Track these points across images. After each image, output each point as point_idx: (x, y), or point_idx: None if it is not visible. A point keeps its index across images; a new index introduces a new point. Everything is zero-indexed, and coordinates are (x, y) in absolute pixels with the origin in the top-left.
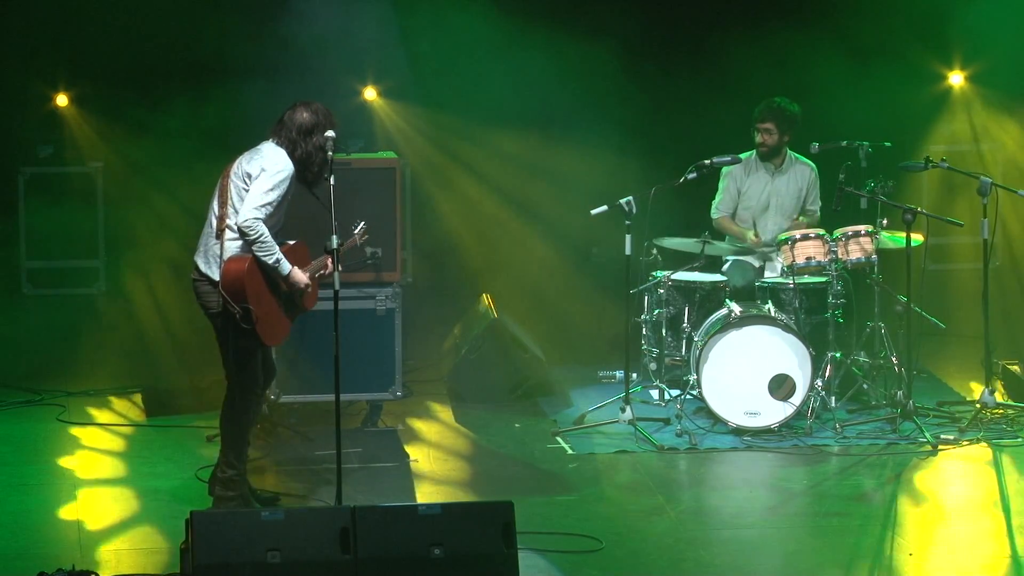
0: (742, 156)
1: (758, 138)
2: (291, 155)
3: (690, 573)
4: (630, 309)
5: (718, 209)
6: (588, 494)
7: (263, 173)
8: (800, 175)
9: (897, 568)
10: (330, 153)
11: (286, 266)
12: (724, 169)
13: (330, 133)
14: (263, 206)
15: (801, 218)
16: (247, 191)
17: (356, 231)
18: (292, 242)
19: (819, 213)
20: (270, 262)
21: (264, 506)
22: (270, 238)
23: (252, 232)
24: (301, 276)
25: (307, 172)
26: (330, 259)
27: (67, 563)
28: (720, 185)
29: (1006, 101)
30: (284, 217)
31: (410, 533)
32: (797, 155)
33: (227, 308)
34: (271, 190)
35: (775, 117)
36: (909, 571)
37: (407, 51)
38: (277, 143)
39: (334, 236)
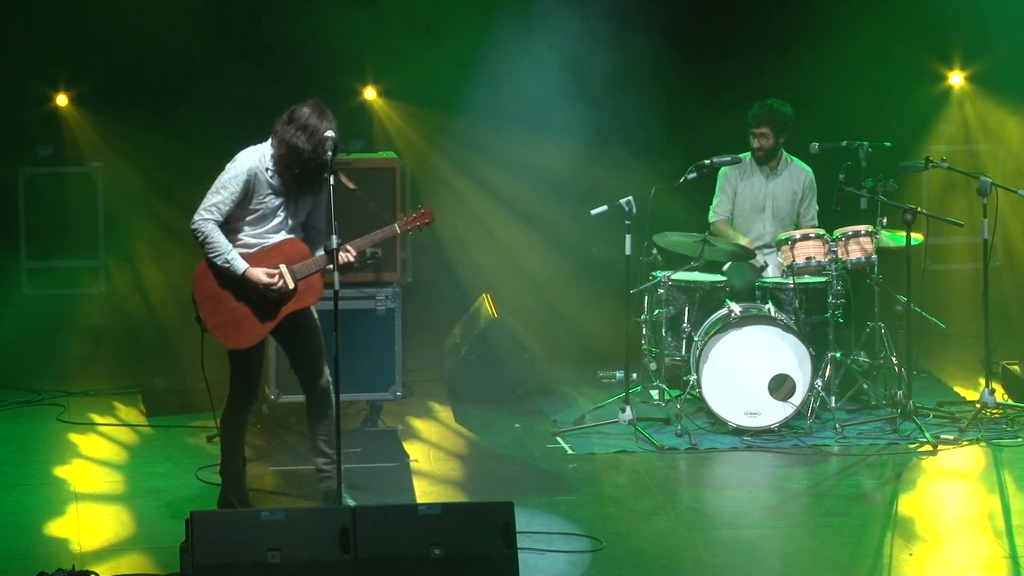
0: (742, 157)
1: (754, 143)
2: (271, 142)
3: (690, 573)
4: (630, 309)
5: (716, 212)
6: (588, 494)
7: (223, 172)
8: (796, 178)
9: (897, 568)
10: (330, 153)
11: (239, 265)
12: (720, 172)
13: (330, 133)
14: (211, 206)
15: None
16: None
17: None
18: (278, 239)
19: (816, 220)
20: (219, 263)
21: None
22: (216, 239)
23: (198, 234)
24: (258, 275)
25: (276, 161)
26: (347, 255)
27: (67, 563)
28: (716, 188)
29: (1006, 101)
30: (290, 216)
31: (410, 533)
32: (794, 158)
33: None
34: (219, 189)
35: (770, 121)
36: (909, 571)
37: (407, 51)
38: (271, 137)
39: (334, 236)
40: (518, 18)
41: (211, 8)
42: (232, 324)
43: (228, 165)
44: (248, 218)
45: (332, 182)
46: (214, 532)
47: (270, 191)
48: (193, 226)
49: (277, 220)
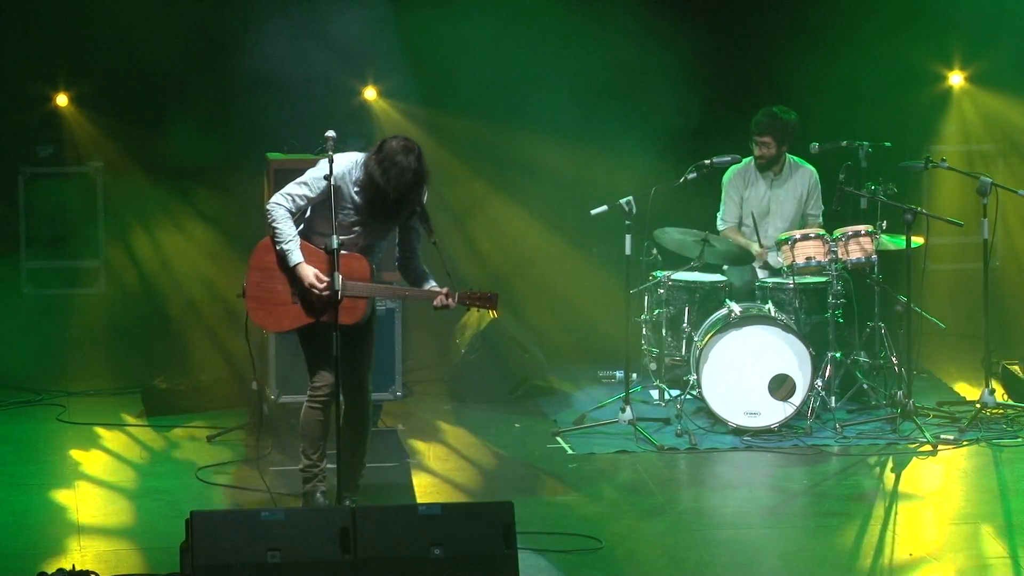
0: (741, 157)
1: (756, 151)
2: (365, 164)
3: (690, 573)
4: (630, 309)
5: (723, 220)
6: (588, 494)
7: (313, 167)
8: (800, 180)
9: (897, 568)
10: (330, 153)
11: (294, 257)
12: (724, 179)
13: (330, 133)
14: (288, 195)
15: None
16: None
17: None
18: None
19: (821, 218)
20: (278, 248)
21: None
22: (282, 226)
23: (268, 216)
24: (307, 273)
25: (365, 186)
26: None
27: (67, 563)
28: (722, 196)
29: (1006, 101)
30: (366, 235)
31: (410, 533)
32: (796, 159)
33: None
34: (301, 183)
35: (773, 130)
36: (909, 571)
37: (407, 51)
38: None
39: (334, 236)
40: (518, 18)
41: (212, 8)
42: (268, 303)
43: (321, 161)
44: (326, 222)
45: (333, 183)
46: (214, 532)
47: (350, 206)
48: (267, 207)
49: (352, 235)
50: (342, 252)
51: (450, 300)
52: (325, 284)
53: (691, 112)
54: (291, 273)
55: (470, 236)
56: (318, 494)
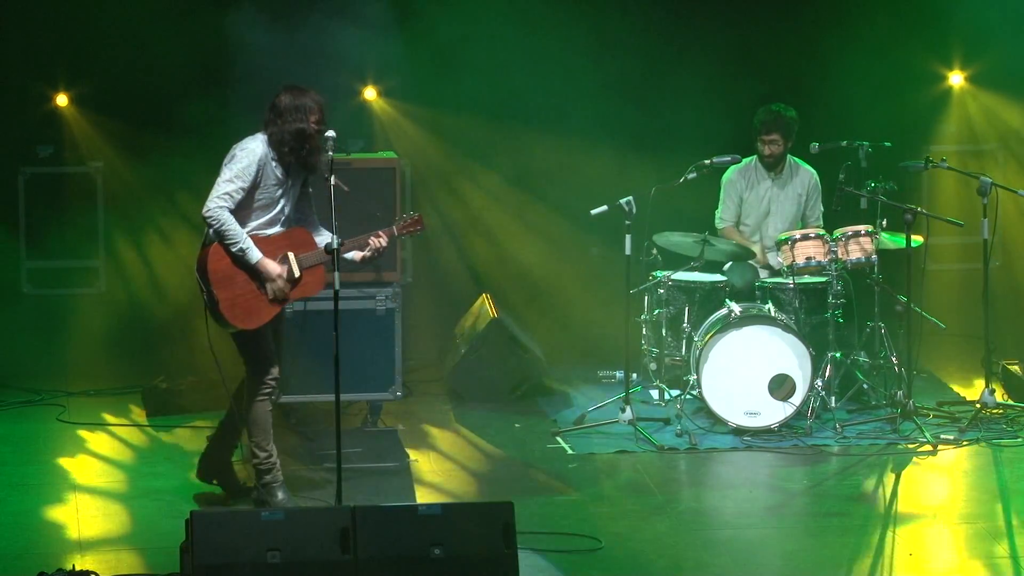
0: (741, 157)
1: (765, 150)
2: (269, 139)
3: (690, 573)
4: (630, 309)
5: (722, 219)
6: (588, 494)
7: (231, 160)
8: (800, 181)
9: (897, 568)
10: (330, 153)
11: (254, 255)
12: (723, 178)
13: (330, 133)
14: (224, 195)
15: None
16: None
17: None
18: (280, 229)
19: (821, 220)
20: (234, 250)
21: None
22: (232, 227)
23: (214, 222)
24: (272, 267)
25: (284, 154)
26: (368, 246)
27: (67, 563)
28: (721, 195)
29: (1006, 101)
30: (287, 206)
31: (410, 533)
32: (798, 160)
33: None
34: (234, 178)
35: (779, 127)
36: (909, 571)
37: (407, 51)
38: (263, 129)
39: (334, 236)
40: (518, 17)
41: (212, 9)
42: (241, 304)
43: (237, 153)
44: (254, 207)
45: (332, 182)
46: (214, 532)
47: (274, 182)
48: (208, 213)
49: (277, 210)
50: (277, 232)
51: (382, 238)
52: (284, 269)
53: (691, 112)
54: (250, 268)
55: (469, 236)
56: (278, 490)
